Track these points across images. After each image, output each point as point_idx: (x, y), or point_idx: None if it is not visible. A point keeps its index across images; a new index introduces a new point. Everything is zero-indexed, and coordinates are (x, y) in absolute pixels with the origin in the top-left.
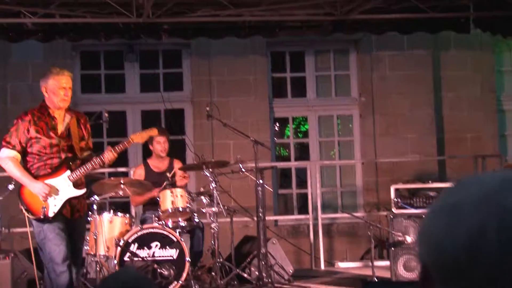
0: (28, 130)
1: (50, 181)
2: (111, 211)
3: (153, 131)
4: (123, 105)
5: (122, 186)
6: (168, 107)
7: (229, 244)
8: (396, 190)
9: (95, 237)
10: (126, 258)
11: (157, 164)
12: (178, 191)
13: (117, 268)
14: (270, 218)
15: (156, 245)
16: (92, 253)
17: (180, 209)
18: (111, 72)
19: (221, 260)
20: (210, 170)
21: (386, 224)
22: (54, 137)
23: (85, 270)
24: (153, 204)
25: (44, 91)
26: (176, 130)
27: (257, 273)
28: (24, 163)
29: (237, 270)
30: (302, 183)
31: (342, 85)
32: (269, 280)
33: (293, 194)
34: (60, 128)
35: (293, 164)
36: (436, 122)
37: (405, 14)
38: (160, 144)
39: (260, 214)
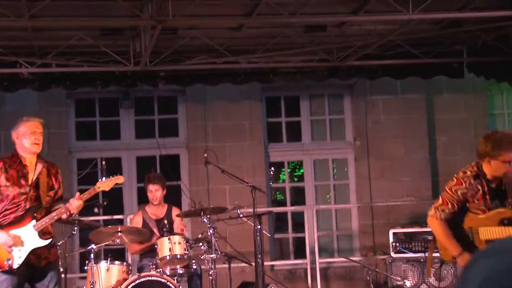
0: None
1: (15, 231)
2: (108, 259)
3: (119, 179)
4: (119, 152)
5: (119, 234)
6: (163, 153)
7: None
8: (394, 233)
9: (91, 286)
10: None
11: (155, 211)
12: (176, 238)
13: None
14: (267, 263)
15: None
16: None
17: (178, 256)
18: (106, 119)
19: None
20: (208, 216)
21: (384, 268)
22: (24, 186)
23: None
24: (150, 251)
25: (15, 138)
26: (172, 175)
27: None
28: None
29: None
30: (297, 226)
31: (337, 129)
32: None
33: (289, 239)
34: (31, 177)
35: (290, 208)
36: (430, 165)
37: (398, 60)
38: (152, 193)
39: (259, 260)
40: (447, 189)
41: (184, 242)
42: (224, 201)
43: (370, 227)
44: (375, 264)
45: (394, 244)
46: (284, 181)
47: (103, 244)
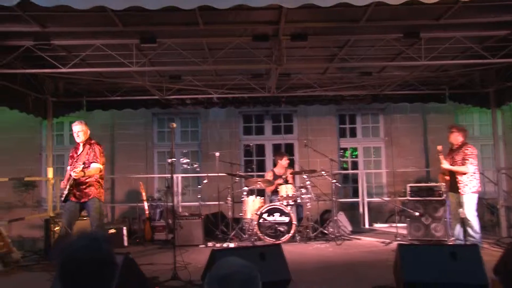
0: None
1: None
2: (254, 195)
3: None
4: (264, 141)
5: (259, 183)
6: (286, 142)
7: (316, 214)
8: (410, 186)
9: (244, 209)
10: (260, 221)
11: (279, 171)
12: (289, 186)
13: (256, 227)
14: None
15: (277, 214)
16: (244, 217)
17: (290, 195)
18: (258, 125)
19: (312, 222)
20: (307, 174)
21: (399, 203)
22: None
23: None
24: (275, 192)
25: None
26: (290, 153)
27: (331, 229)
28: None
29: (321, 228)
30: (354, 182)
31: (374, 131)
32: (339, 234)
33: (349, 187)
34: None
35: (350, 171)
36: (424, 151)
37: (410, 91)
38: (284, 162)
39: (334, 198)
40: None
41: (293, 187)
42: (316, 166)
43: (392, 182)
44: (394, 201)
45: (409, 192)
46: (347, 157)
47: (251, 187)
